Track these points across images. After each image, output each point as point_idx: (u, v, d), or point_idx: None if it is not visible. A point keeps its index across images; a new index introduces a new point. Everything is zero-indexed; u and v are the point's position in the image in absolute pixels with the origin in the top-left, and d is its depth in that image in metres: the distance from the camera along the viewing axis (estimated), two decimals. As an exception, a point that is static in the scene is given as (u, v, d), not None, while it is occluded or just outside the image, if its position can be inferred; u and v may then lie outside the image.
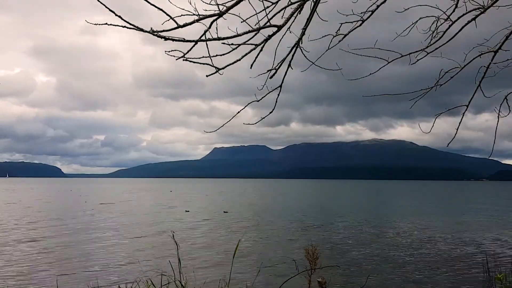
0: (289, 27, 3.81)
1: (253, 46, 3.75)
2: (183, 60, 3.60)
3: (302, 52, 3.96)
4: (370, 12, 4.21)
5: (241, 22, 3.67)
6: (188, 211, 50.03)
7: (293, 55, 3.98)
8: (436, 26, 4.51)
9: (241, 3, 3.65)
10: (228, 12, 3.60)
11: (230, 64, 3.78)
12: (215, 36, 3.59)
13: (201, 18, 3.53)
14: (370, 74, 4.67)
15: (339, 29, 4.24)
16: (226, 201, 67.43)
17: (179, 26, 3.45)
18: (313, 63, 4.14)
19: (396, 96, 4.79)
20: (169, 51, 3.51)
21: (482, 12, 4.42)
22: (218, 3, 3.57)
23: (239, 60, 3.74)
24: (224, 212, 45.38)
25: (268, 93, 3.98)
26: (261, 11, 3.71)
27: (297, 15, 3.80)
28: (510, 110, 4.65)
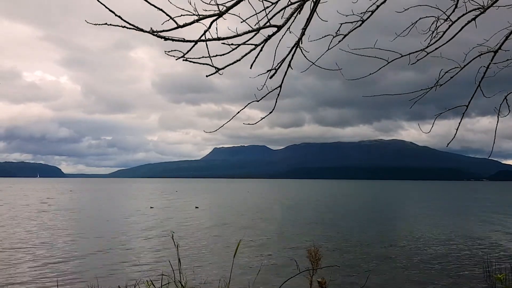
0: (289, 27, 3.81)
1: (253, 46, 3.75)
2: (183, 60, 3.60)
3: (302, 52, 3.96)
4: (370, 13, 4.21)
5: (241, 22, 3.67)
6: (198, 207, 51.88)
7: (293, 55, 3.98)
8: (436, 26, 4.51)
9: (241, 3, 3.65)
10: (228, 12, 3.60)
11: (230, 64, 3.78)
12: (215, 36, 3.59)
13: (201, 18, 3.53)
14: (370, 74, 4.67)
15: (339, 30, 4.24)
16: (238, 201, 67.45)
17: (179, 26, 3.45)
18: (313, 63, 4.14)
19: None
20: (168, 51, 3.51)
21: (482, 12, 4.42)
22: (218, 3, 3.57)
23: (239, 60, 3.74)
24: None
25: (268, 93, 3.99)
26: (261, 11, 3.71)
27: (297, 15, 3.80)
28: (510, 110, 4.65)
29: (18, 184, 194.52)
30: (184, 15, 3.48)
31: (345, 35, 4.28)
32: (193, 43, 3.58)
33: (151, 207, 51.93)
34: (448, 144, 4.72)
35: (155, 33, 3.43)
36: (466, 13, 4.44)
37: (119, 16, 3.31)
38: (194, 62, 3.64)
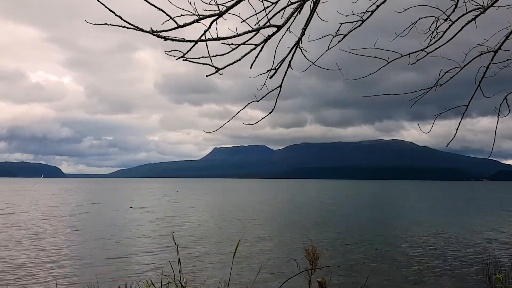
0: (289, 27, 3.81)
1: (253, 46, 3.75)
2: (183, 60, 3.60)
3: (302, 52, 3.96)
4: (370, 12, 4.21)
5: (241, 22, 3.68)
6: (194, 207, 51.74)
7: (293, 55, 3.98)
8: (436, 26, 4.52)
9: (241, 3, 3.65)
10: (228, 12, 3.60)
11: (230, 64, 3.79)
12: (215, 36, 3.59)
13: (201, 18, 3.53)
14: (370, 74, 4.67)
15: (338, 30, 4.24)
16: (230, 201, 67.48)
17: (179, 26, 3.45)
18: (313, 63, 4.14)
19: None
20: (169, 51, 3.51)
21: (482, 12, 4.42)
22: (218, 3, 3.57)
23: (239, 60, 3.74)
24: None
25: (268, 93, 3.99)
26: (261, 11, 3.71)
27: (297, 15, 3.81)
28: (510, 110, 4.65)
29: (19, 184, 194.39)
30: (184, 15, 3.48)
31: (345, 35, 4.28)
32: (193, 43, 3.58)
33: (130, 207, 51.34)
34: (448, 144, 4.72)
35: (155, 33, 3.43)
36: (466, 13, 4.44)
37: (119, 16, 3.32)
38: (194, 62, 3.64)
